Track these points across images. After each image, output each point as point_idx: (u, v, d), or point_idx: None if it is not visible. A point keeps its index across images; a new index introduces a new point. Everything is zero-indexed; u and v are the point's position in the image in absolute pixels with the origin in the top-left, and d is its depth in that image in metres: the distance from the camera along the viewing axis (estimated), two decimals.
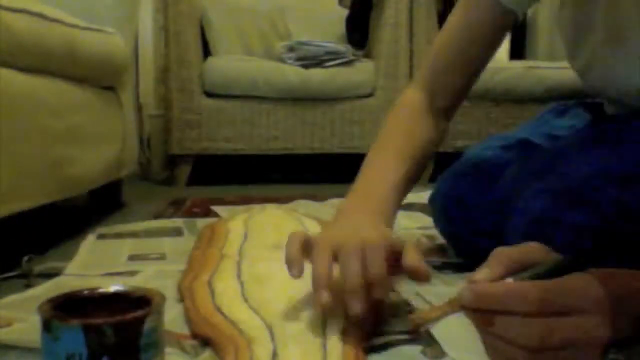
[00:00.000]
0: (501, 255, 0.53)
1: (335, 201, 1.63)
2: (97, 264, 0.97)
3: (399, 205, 0.80)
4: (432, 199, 0.97)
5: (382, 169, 0.81)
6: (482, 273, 0.52)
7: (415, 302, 0.73)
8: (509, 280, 0.51)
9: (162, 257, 1.02)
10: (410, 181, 0.83)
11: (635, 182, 0.66)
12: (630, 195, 0.66)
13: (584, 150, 0.74)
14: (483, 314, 0.50)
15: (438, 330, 0.63)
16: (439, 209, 0.95)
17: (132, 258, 1.01)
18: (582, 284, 0.49)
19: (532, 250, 0.55)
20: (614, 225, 0.65)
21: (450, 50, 0.89)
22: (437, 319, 0.55)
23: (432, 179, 2.40)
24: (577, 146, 0.77)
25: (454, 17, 0.90)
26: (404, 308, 0.72)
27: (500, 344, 0.49)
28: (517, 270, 0.52)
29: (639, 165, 0.67)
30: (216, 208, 1.54)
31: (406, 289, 0.77)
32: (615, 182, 0.67)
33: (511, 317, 0.48)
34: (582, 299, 0.49)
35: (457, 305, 0.52)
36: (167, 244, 1.12)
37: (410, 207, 1.53)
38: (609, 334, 0.48)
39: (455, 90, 0.92)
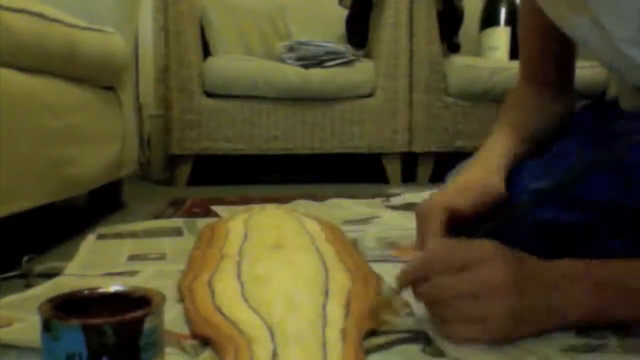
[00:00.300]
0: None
1: (335, 201, 1.63)
2: (97, 264, 0.97)
3: (509, 165, 0.81)
4: None
5: (492, 142, 0.85)
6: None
7: (414, 302, 0.73)
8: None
9: (162, 257, 1.02)
10: (526, 145, 0.84)
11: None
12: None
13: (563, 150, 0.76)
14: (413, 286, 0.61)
15: (433, 328, 0.64)
16: None
17: (132, 258, 1.01)
18: (477, 244, 0.59)
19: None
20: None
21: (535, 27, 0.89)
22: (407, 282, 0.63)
23: (432, 179, 2.40)
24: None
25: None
26: (403, 308, 0.72)
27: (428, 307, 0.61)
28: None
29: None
30: (216, 208, 1.54)
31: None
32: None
33: (424, 281, 0.59)
34: (476, 255, 0.58)
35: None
36: (167, 244, 1.12)
37: (411, 207, 1.53)
38: (509, 285, 0.56)
39: (554, 59, 0.90)
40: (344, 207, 1.55)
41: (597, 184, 0.68)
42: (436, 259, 0.60)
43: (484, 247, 0.59)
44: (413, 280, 0.61)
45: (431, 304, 0.61)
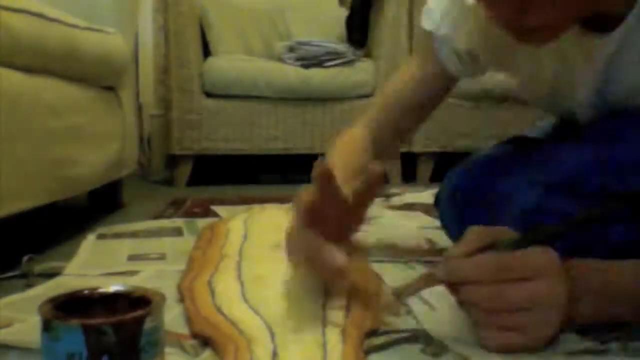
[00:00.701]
0: (474, 233, 0.61)
1: None
2: (96, 264, 0.97)
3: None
4: (438, 197, 0.99)
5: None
6: (457, 249, 0.60)
7: (413, 302, 0.73)
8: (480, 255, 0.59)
9: (161, 257, 1.02)
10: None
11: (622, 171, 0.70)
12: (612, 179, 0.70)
13: (573, 145, 0.77)
14: (454, 285, 0.59)
15: (433, 327, 0.64)
16: (446, 206, 0.96)
17: (132, 258, 1.01)
18: (535, 254, 0.58)
19: (502, 230, 0.62)
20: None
21: (403, 95, 0.98)
22: (413, 292, 0.64)
23: (432, 179, 2.40)
24: (566, 141, 0.80)
25: (408, 69, 0.99)
26: (402, 307, 0.72)
27: (468, 308, 0.60)
28: (488, 246, 0.59)
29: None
30: (216, 208, 1.54)
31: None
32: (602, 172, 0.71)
33: (473, 285, 0.58)
34: (534, 266, 0.57)
35: (430, 280, 0.61)
36: (167, 244, 1.12)
37: (411, 207, 1.53)
38: (564, 299, 0.57)
39: (400, 131, 1.02)
40: None
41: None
42: (491, 265, 0.58)
43: (543, 259, 0.58)
44: (461, 282, 0.59)
45: (475, 308, 0.59)
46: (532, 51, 0.81)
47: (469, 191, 0.88)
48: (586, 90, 0.80)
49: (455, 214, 0.92)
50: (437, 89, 0.97)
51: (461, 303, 0.60)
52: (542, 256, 0.58)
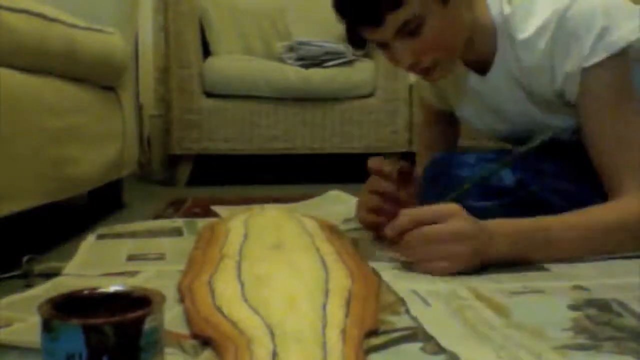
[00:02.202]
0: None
1: (334, 193, 1.63)
2: (95, 264, 0.97)
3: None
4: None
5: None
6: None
7: (412, 300, 0.73)
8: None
9: (161, 257, 1.02)
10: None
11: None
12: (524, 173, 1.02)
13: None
14: (397, 238, 0.86)
15: (431, 325, 0.64)
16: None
17: (131, 258, 1.01)
18: (444, 205, 0.86)
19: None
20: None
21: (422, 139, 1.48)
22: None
23: None
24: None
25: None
26: (401, 307, 0.72)
27: (408, 253, 0.85)
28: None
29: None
30: (216, 208, 1.54)
31: (402, 287, 0.78)
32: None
33: (406, 234, 0.84)
34: (442, 211, 0.84)
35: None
36: (166, 244, 1.12)
37: None
38: (473, 232, 0.82)
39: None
40: (342, 201, 1.54)
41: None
42: (418, 215, 0.84)
43: (450, 207, 0.84)
44: (403, 231, 0.85)
45: (415, 248, 0.84)
46: (453, 92, 1.16)
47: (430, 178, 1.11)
48: (484, 119, 1.13)
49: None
50: (441, 125, 1.35)
51: (404, 250, 0.86)
52: (448, 206, 0.85)
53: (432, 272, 0.82)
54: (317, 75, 2.32)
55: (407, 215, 0.85)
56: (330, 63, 2.33)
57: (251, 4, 2.67)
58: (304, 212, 1.31)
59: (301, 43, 2.36)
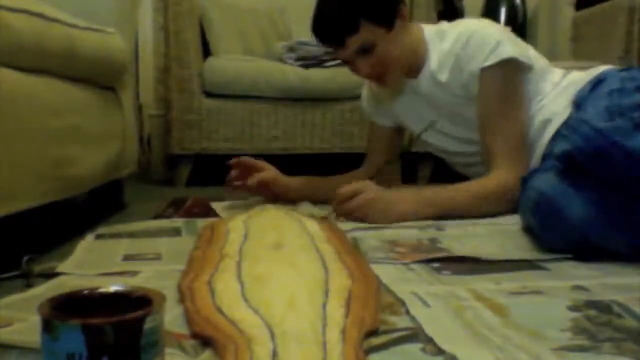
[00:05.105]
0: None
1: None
2: (91, 264, 0.97)
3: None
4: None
5: None
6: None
7: (411, 301, 0.73)
8: None
9: (157, 257, 1.02)
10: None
11: None
12: None
13: None
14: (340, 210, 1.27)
15: (430, 326, 0.64)
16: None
17: (127, 258, 1.01)
18: (362, 182, 1.28)
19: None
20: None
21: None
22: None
23: (432, 179, 2.40)
24: None
25: None
26: (401, 307, 0.72)
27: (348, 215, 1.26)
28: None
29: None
30: (216, 206, 1.54)
31: (402, 289, 0.78)
32: None
33: (345, 203, 1.25)
34: (359, 186, 1.26)
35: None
36: (163, 244, 1.12)
37: None
38: (387, 198, 1.25)
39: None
40: None
41: None
42: (352, 189, 1.25)
43: (362, 183, 1.27)
44: (343, 201, 1.24)
45: (354, 212, 1.24)
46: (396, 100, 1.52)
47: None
48: (416, 107, 1.48)
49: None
50: (385, 135, 1.69)
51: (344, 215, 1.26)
52: (363, 182, 1.28)
53: (367, 222, 1.22)
54: (317, 75, 2.32)
55: (342, 192, 1.25)
56: (330, 63, 2.33)
57: (251, 4, 2.67)
58: (304, 212, 1.31)
59: (301, 43, 2.36)
